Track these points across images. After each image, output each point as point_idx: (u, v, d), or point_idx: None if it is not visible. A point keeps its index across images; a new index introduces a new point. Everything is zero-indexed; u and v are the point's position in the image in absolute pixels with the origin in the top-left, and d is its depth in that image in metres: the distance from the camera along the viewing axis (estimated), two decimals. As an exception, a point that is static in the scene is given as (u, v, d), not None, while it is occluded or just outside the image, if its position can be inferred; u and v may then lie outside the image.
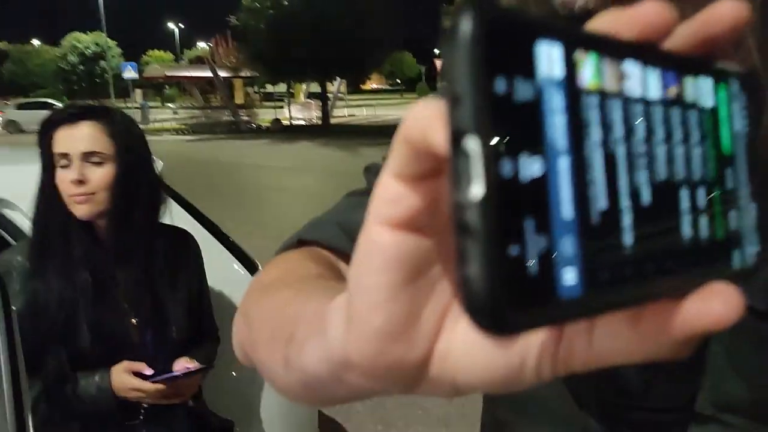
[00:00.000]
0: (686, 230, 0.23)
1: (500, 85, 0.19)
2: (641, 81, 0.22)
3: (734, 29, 0.23)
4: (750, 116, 0.26)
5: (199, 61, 42.99)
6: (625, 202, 0.21)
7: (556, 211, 0.19)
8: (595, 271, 0.20)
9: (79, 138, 1.43)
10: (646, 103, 0.22)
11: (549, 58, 0.20)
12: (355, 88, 57.61)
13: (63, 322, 1.43)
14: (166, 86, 52.20)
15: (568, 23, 0.21)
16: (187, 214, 1.95)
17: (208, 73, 28.43)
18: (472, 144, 0.18)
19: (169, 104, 37.75)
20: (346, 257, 0.56)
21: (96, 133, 1.45)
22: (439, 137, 0.20)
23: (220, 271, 1.90)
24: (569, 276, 0.20)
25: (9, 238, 1.75)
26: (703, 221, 0.24)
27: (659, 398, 0.55)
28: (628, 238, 0.21)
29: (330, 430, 2.57)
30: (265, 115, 28.67)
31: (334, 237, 0.58)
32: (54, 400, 1.43)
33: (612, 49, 0.21)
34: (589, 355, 0.25)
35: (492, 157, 0.18)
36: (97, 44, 43.40)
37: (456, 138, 0.19)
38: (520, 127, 0.19)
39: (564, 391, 0.60)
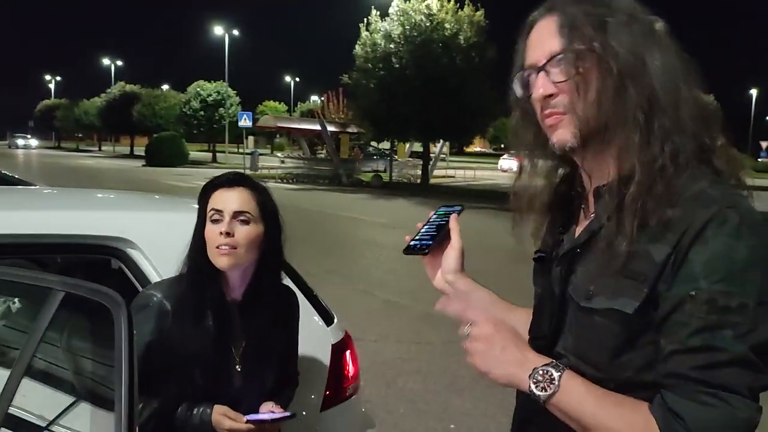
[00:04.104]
0: None
1: None
2: None
3: None
4: None
5: (310, 114, 44.91)
6: None
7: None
8: None
9: (233, 199, 1.67)
10: None
11: None
12: (458, 150, 58.08)
13: (183, 360, 1.65)
14: (278, 135, 54.72)
15: None
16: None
17: (317, 126, 29.72)
18: None
19: (278, 153, 39.44)
20: None
21: (247, 197, 1.69)
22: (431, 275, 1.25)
23: (303, 322, 2.12)
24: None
25: (130, 275, 2.02)
26: None
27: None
28: None
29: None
30: (367, 171, 29.55)
31: None
32: (163, 423, 1.63)
33: None
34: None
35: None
36: (218, 92, 45.84)
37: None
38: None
39: None
